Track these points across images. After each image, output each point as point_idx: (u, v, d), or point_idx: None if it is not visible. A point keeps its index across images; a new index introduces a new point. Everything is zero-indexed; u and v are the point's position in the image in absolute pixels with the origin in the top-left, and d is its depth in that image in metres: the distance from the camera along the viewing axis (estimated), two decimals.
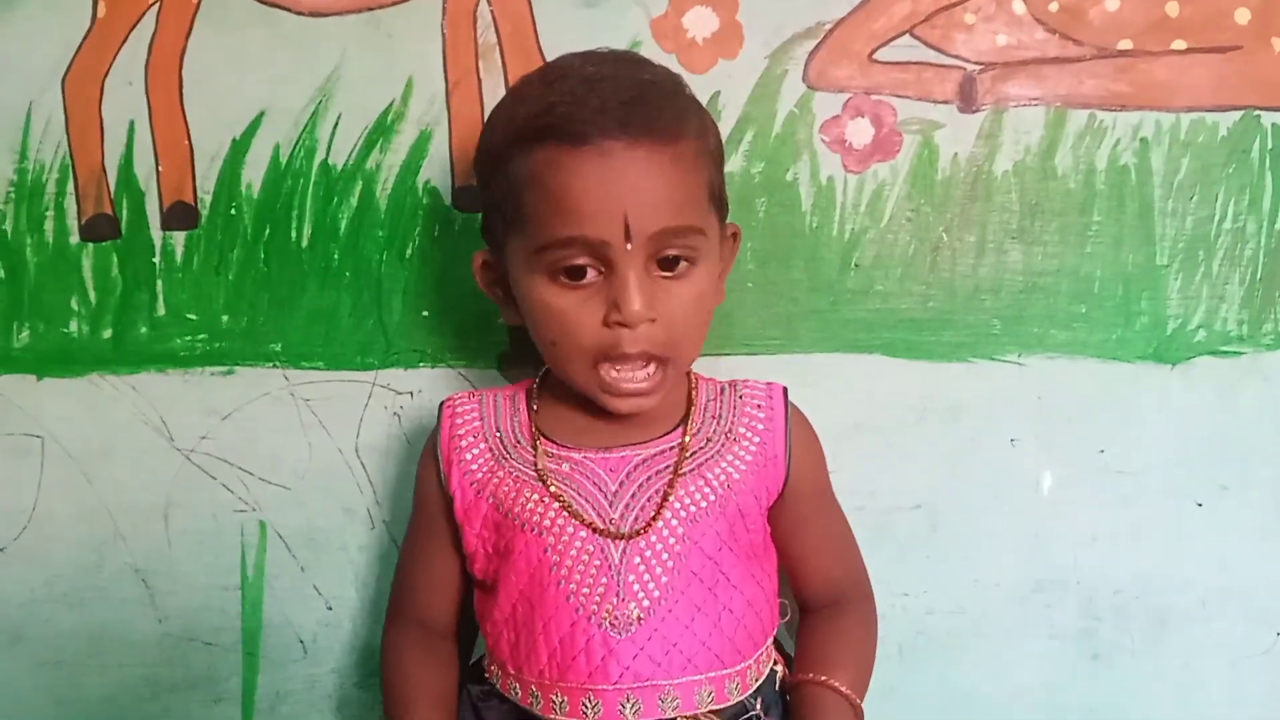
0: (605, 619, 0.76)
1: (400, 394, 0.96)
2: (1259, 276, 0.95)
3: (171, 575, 0.98)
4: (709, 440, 0.81)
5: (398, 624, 0.88)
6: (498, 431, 0.83)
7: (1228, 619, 0.97)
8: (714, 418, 0.83)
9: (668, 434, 0.82)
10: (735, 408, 0.83)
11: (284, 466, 0.97)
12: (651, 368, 0.78)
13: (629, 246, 0.74)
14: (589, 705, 0.76)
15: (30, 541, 0.98)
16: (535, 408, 0.84)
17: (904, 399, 0.96)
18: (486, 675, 0.83)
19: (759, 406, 0.83)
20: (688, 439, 0.81)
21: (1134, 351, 0.95)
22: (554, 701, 0.77)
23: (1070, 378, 0.95)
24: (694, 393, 0.84)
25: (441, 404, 0.85)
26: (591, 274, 0.75)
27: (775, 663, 0.83)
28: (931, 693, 0.98)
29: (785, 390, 0.84)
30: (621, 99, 0.74)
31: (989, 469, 0.96)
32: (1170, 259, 0.95)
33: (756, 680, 0.80)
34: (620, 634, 0.76)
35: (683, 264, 0.77)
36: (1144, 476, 0.96)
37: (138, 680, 0.99)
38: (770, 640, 0.83)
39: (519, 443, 0.82)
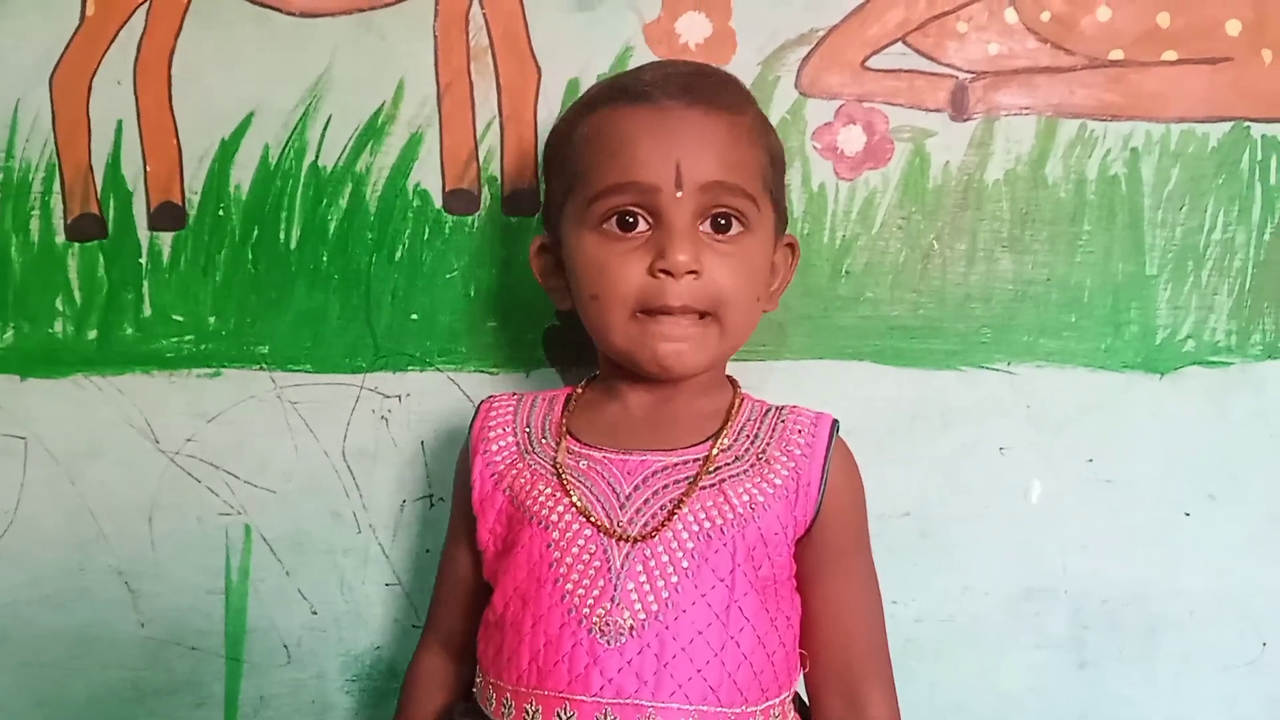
0: (596, 624, 0.73)
1: (388, 397, 0.95)
2: (1248, 287, 0.95)
3: (155, 578, 0.97)
4: (738, 459, 0.77)
5: (424, 643, 0.88)
6: (527, 427, 0.82)
7: (1217, 628, 0.97)
8: (749, 438, 0.79)
9: (696, 445, 0.78)
10: (775, 431, 0.79)
11: (270, 470, 0.96)
12: (695, 319, 0.76)
13: (679, 194, 0.74)
14: (563, 717, 0.72)
15: (13, 543, 0.97)
16: (572, 408, 0.82)
17: (894, 406, 0.95)
18: (473, 690, 0.82)
19: (800, 433, 0.79)
20: (715, 453, 0.77)
21: (1123, 361, 0.95)
22: (527, 710, 0.74)
23: (1060, 386, 0.95)
24: (735, 409, 0.80)
25: (481, 401, 0.84)
26: (641, 225, 0.76)
27: None
28: (921, 700, 0.98)
29: (835, 423, 0.80)
30: (685, 72, 0.80)
31: (979, 477, 0.96)
32: (1160, 269, 0.95)
33: None
34: (609, 643, 0.72)
35: (735, 227, 0.77)
36: (1133, 485, 0.96)
37: (120, 683, 0.98)
38: (785, 696, 0.77)
39: (545, 439, 0.81)
